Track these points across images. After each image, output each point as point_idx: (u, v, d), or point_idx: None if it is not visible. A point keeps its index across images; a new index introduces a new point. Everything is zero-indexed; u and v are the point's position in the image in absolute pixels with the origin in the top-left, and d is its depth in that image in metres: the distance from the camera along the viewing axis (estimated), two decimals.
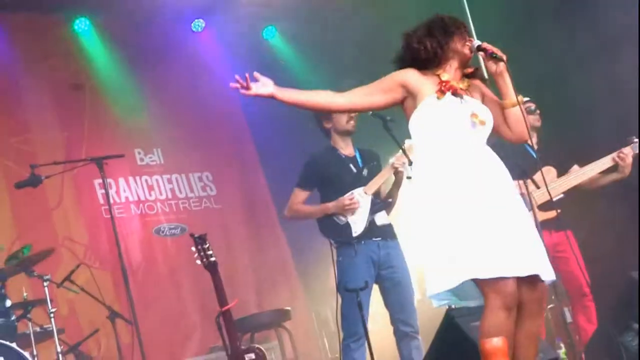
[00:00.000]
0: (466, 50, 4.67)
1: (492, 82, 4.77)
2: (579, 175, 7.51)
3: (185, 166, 10.68)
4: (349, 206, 6.92)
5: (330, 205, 7.01)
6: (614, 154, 7.36)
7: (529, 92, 8.75)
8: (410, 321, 6.89)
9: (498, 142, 7.47)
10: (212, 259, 6.43)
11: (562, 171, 7.53)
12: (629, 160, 7.33)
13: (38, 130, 9.79)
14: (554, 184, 7.33)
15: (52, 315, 7.32)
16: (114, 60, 10.27)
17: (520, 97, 4.69)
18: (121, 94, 10.25)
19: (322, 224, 7.11)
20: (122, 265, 7.55)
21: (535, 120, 7.58)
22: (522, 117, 4.69)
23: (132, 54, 10.29)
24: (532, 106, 7.58)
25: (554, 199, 7.18)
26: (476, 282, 4.36)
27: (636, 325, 6.48)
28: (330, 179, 7.11)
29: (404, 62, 4.82)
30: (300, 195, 7.21)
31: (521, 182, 6.99)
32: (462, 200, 4.40)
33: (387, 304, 6.99)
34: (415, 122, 4.65)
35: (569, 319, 7.50)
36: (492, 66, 4.63)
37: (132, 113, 10.27)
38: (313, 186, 7.22)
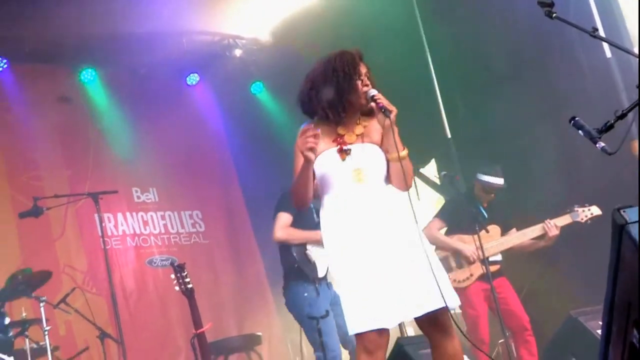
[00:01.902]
0: (363, 102, 4.46)
1: None
2: (511, 239, 7.57)
3: (178, 205, 10.64)
4: None
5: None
6: (544, 223, 7.41)
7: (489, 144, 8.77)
8: (332, 346, 6.71)
9: (457, 196, 7.59)
10: (189, 285, 6.33)
11: (505, 229, 7.56)
12: (554, 232, 7.38)
13: (46, 168, 9.74)
14: (494, 242, 7.45)
15: (46, 333, 7.28)
16: (116, 108, 10.25)
17: (404, 152, 4.41)
18: (122, 138, 10.22)
19: (292, 251, 6.95)
20: (112, 291, 7.55)
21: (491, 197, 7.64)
22: (402, 171, 4.40)
23: (132, 103, 10.29)
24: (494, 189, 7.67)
25: (491, 259, 7.31)
26: None
27: (574, 359, 6.44)
28: (301, 213, 6.84)
29: (304, 106, 4.64)
30: (287, 218, 6.96)
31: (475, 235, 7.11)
32: (339, 257, 4.38)
33: (345, 337, 6.79)
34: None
35: (515, 352, 7.45)
36: (382, 118, 4.41)
37: (132, 156, 10.23)
38: (293, 211, 6.92)
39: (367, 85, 4.49)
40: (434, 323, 4.29)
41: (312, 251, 6.92)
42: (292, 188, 4.52)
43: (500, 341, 8.30)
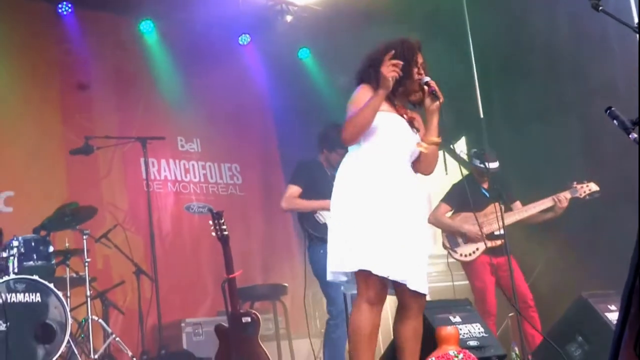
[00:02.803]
0: (415, 87, 4.56)
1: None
2: (520, 212, 7.56)
3: (219, 156, 10.68)
4: None
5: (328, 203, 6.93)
6: (554, 196, 7.40)
7: (513, 126, 8.71)
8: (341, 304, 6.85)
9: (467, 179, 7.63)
10: (225, 232, 6.36)
11: (507, 206, 7.54)
12: (565, 204, 7.37)
13: (99, 110, 9.77)
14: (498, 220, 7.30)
15: (86, 264, 7.37)
16: (170, 60, 10.25)
17: (438, 139, 4.58)
18: (172, 88, 10.21)
19: (303, 218, 7.09)
20: (151, 231, 7.61)
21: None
22: (432, 156, 4.62)
23: (186, 56, 10.28)
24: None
25: (496, 233, 7.27)
26: (356, 274, 4.37)
27: (580, 338, 6.40)
28: (314, 183, 7.02)
29: (363, 80, 4.65)
30: (295, 190, 7.08)
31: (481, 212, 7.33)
32: (375, 206, 4.34)
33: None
34: None
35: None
36: (429, 102, 4.53)
37: (179, 106, 10.22)
38: (303, 183, 7.09)
39: (421, 74, 4.57)
40: (418, 298, 4.43)
41: (323, 214, 6.95)
42: (355, 117, 4.44)
43: (510, 314, 8.30)
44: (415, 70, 4.54)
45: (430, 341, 4.63)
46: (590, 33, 8.06)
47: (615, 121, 3.67)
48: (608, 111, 3.73)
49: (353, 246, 4.32)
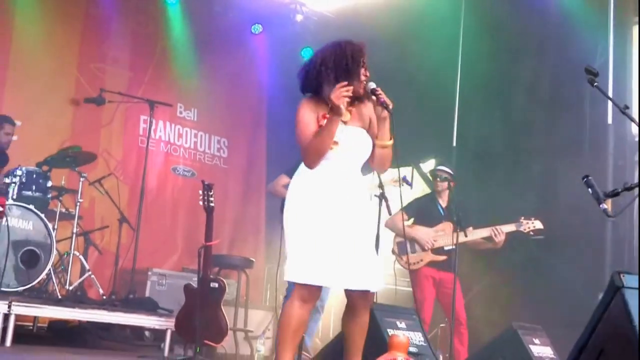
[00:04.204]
0: (360, 90, 4.34)
1: None
2: (463, 235, 7.60)
3: (211, 128, 10.68)
4: None
5: None
6: (493, 227, 7.41)
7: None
8: (322, 295, 6.96)
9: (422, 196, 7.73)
10: (212, 204, 6.40)
11: (462, 226, 7.61)
12: (501, 237, 7.38)
13: (112, 65, 9.77)
14: (448, 237, 7.45)
15: (78, 204, 7.41)
16: (186, 33, 10.24)
17: (391, 141, 4.38)
18: (182, 59, 10.23)
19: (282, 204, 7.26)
20: (142, 187, 7.63)
21: (444, 186, 7.67)
22: (385, 156, 4.43)
23: (201, 32, 10.30)
24: (445, 175, 7.69)
25: (446, 248, 7.38)
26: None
27: None
28: None
29: (303, 81, 4.45)
30: (284, 179, 7.17)
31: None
32: (311, 220, 4.28)
33: None
34: None
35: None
36: (379, 111, 4.31)
37: (185, 76, 10.24)
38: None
39: (366, 76, 4.39)
40: (363, 297, 4.38)
41: None
42: (314, 145, 4.26)
43: (441, 325, 8.42)
44: (362, 71, 4.35)
45: (381, 343, 4.71)
46: (568, 94, 8.18)
47: (590, 190, 3.77)
48: (585, 179, 3.82)
49: (292, 259, 4.30)
